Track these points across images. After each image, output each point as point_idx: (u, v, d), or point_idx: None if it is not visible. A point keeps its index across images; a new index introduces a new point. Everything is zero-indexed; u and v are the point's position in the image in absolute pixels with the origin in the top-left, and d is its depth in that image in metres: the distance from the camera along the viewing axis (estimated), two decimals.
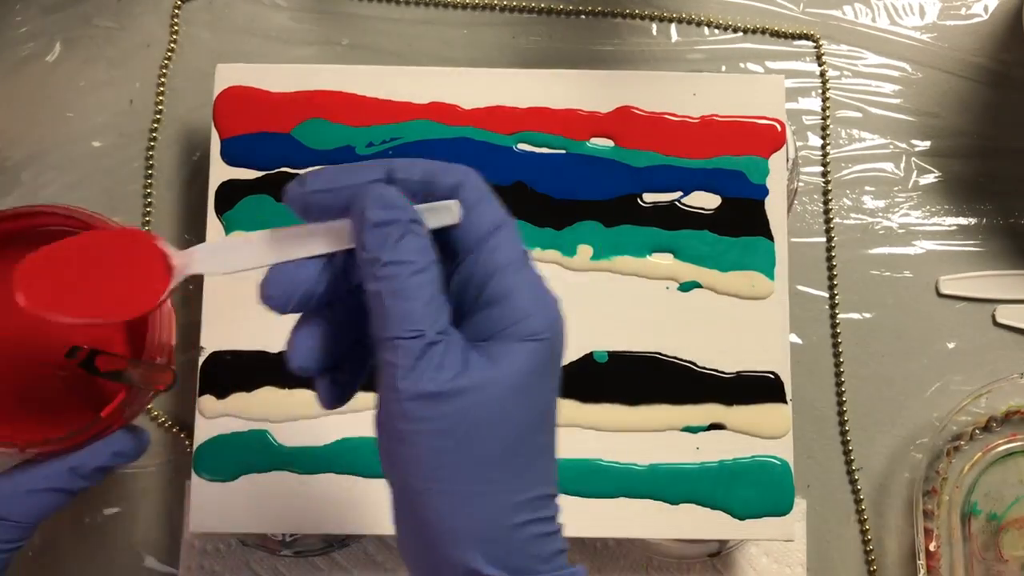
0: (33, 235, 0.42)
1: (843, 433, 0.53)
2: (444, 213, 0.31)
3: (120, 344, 0.42)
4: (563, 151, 0.49)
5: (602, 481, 0.47)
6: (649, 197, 0.49)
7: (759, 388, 0.48)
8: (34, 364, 0.42)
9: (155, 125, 0.55)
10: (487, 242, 0.31)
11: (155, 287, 0.32)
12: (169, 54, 0.56)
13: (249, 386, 0.48)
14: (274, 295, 0.32)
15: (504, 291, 0.30)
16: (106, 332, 0.42)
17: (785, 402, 0.48)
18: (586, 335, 0.48)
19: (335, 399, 0.34)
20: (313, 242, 0.31)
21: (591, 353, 0.48)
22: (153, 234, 0.33)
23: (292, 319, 0.33)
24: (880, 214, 0.55)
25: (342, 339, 0.33)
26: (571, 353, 0.48)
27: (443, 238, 0.31)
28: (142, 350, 0.41)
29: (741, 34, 0.56)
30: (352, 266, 0.31)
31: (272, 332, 0.48)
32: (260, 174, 0.49)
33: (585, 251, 0.48)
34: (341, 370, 0.34)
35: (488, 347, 0.30)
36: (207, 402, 0.47)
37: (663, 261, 0.49)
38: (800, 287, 0.54)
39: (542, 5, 0.57)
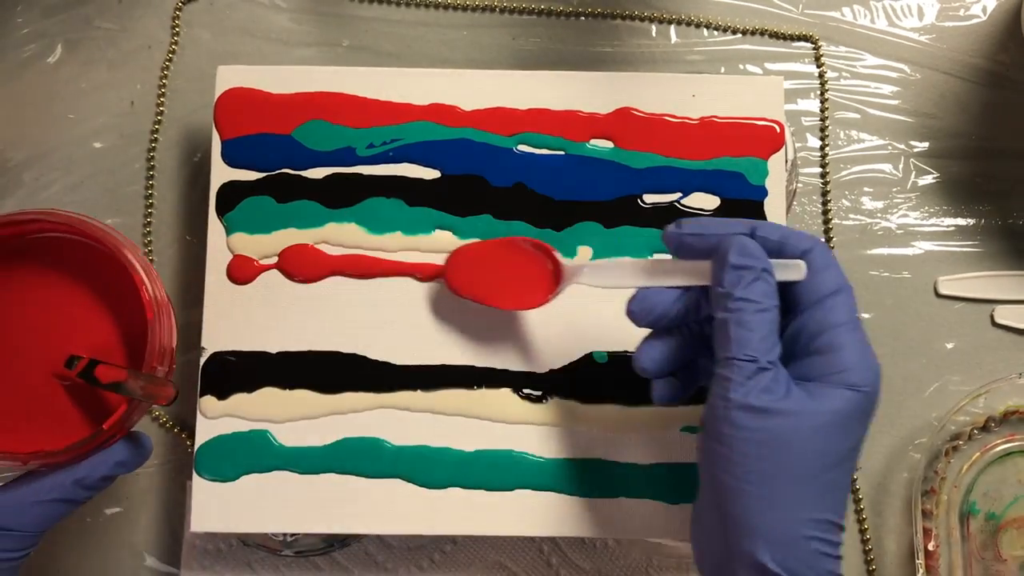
0: (29, 242, 0.42)
1: None
2: (793, 270, 0.37)
3: (119, 353, 0.42)
4: (563, 152, 0.49)
5: (602, 481, 0.47)
6: (649, 198, 0.49)
7: None
8: (35, 374, 0.42)
9: (156, 126, 0.55)
10: (826, 302, 0.37)
11: (546, 288, 0.42)
12: (170, 55, 0.56)
13: (250, 386, 0.48)
14: (636, 311, 0.40)
15: (834, 345, 0.36)
16: (107, 340, 0.42)
17: None
18: (586, 336, 0.48)
19: (665, 398, 0.41)
20: (677, 275, 0.38)
21: (591, 354, 0.48)
22: (551, 248, 0.42)
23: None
24: (879, 215, 0.55)
25: (679, 356, 0.40)
26: (571, 353, 0.48)
27: (787, 295, 0.37)
28: (142, 360, 0.41)
29: (740, 36, 0.57)
30: (703, 301, 0.39)
31: (273, 333, 0.48)
32: (261, 175, 0.49)
33: (585, 252, 0.49)
34: (675, 377, 0.41)
35: (810, 386, 0.36)
36: (208, 403, 0.48)
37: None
38: None
39: (542, 7, 0.57)
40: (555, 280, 0.41)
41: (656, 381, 0.41)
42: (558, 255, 0.43)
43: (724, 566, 0.36)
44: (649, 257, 0.48)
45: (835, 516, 0.36)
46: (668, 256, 0.39)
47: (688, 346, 0.40)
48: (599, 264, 0.40)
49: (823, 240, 0.39)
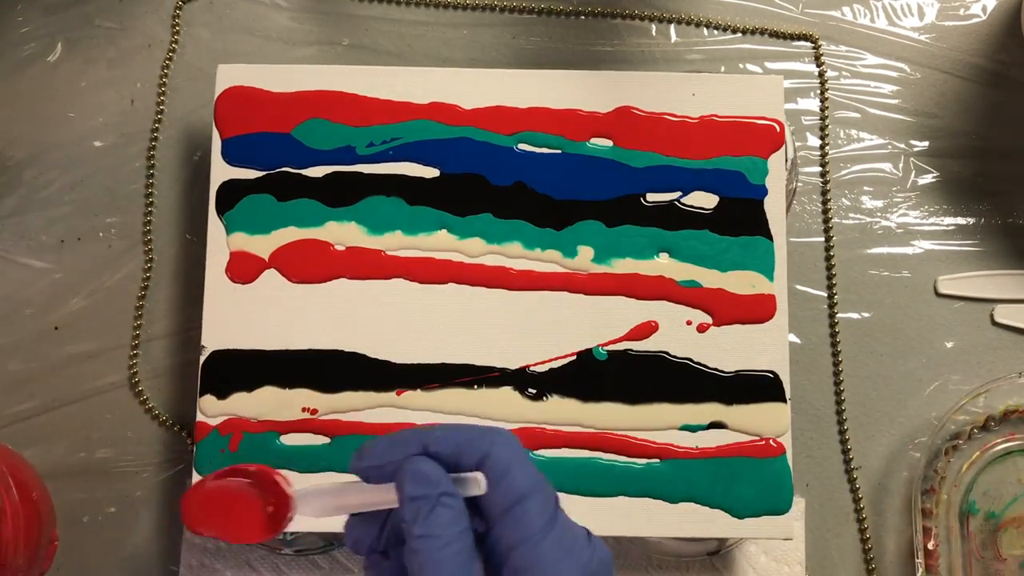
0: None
1: (842, 432, 0.53)
2: (472, 484, 0.33)
3: None
4: (563, 151, 0.49)
5: (602, 480, 0.47)
6: (650, 197, 0.49)
7: (758, 387, 0.48)
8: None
9: (156, 125, 0.55)
10: (509, 514, 0.33)
11: (277, 521, 0.38)
12: (170, 54, 0.56)
13: (250, 385, 0.48)
14: (350, 544, 0.36)
15: (525, 564, 0.33)
16: None
17: (784, 401, 0.48)
18: (586, 334, 0.48)
19: None
20: (375, 499, 0.35)
21: (591, 350, 0.48)
22: (278, 475, 0.38)
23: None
24: (879, 214, 0.55)
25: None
26: (571, 351, 0.48)
27: (478, 504, 0.34)
28: None
29: (740, 35, 0.57)
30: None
31: (272, 332, 0.48)
32: (261, 174, 0.49)
33: (586, 253, 0.49)
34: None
35: None
36: (208, 402, 0.48)
37: (663, 262, 0.49)
38: (799, 287, 0.54)
39: (542, 6, 0.57)
40: (286, 512, 0.38)
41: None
42: (285, 485, 0.37)
43: None
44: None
45: None
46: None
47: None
48: (308, 492, 0.37)
49: (508, 432, 0.34)
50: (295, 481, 0.47)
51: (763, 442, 0.47)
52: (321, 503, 0.37)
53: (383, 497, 0.35)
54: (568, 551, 0.33)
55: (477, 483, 0.33)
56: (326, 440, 0.48)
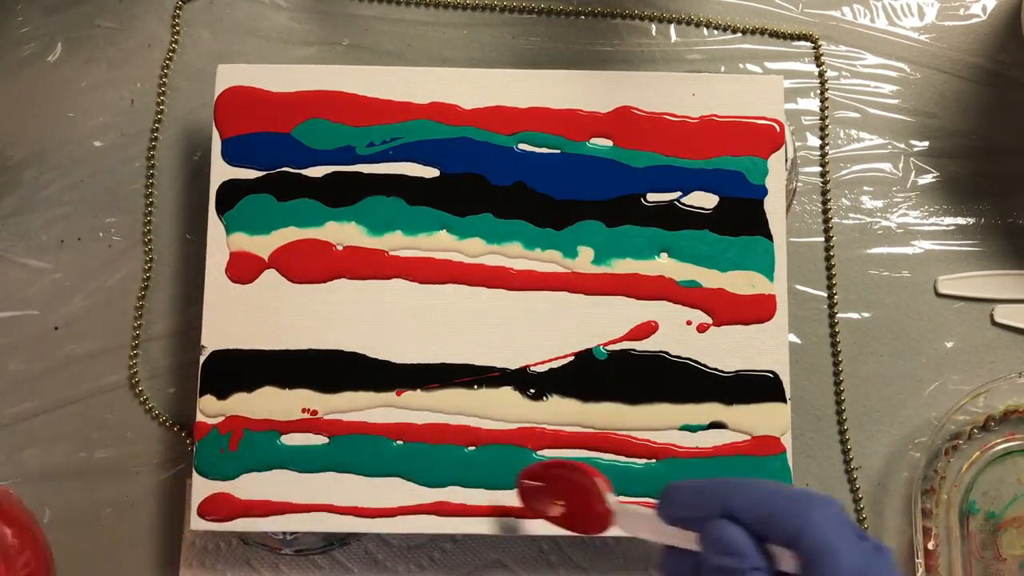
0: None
1: (842, 432, 0.53)
2: (783, 558, 0.30)
3: None
4: (563, 151, 0.49)
5: None
6: (650, 197, 0.49)
7: (758, 387, 0.48)
8: None
9: (156, 125, 0.55)
10: None
11: (601, 522, 0.40)
12: (170, 54, 0.56)
13: (250, 385, 0.48)
14: (664, 573, 0.35)
15: None
16: None
17: (784, 401, 0.48)
18: (586, 333, 0.48)
19: None
20: (684, 539, 0.34)
21: (591, 350, 0.48)
22: (603, 484, 0.40)
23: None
24: (879, 214, 0.55)
25: None
26: (571, 350, 0.48)
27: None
28: None
29: (740, 35, 0.57)
30: None
31: (273, 332, 0.48)
32: (261, 174, 0.49)
33: (586, 254, 0.49)
34: None
35: None
36: (208, 402, 0.48)
37: (663, 262, 0.49)
38: (799, 287, 0.54)
39: (542, 6, 0.57)
40: (607, 518, 0.40)
41: None
42: (607, 495, 0.40)
43: None
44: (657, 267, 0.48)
45: None
46: None
47: None
48: (626, 508, 0.38)
49: (831, 500, 0.30)
50: (299, 479, 0.47)
51: (763, 441, 0.47)
52: (635, 523, 0.38)
53: (691, 540, 0.34)
54: None
55: (787, 561, 0.29)
56: (326, 440, 0.48)
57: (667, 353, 0.48)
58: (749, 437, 0.48)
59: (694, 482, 0.32)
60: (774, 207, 0.49)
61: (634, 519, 0.38)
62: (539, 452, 0.47)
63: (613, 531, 0.39)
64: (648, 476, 0.47)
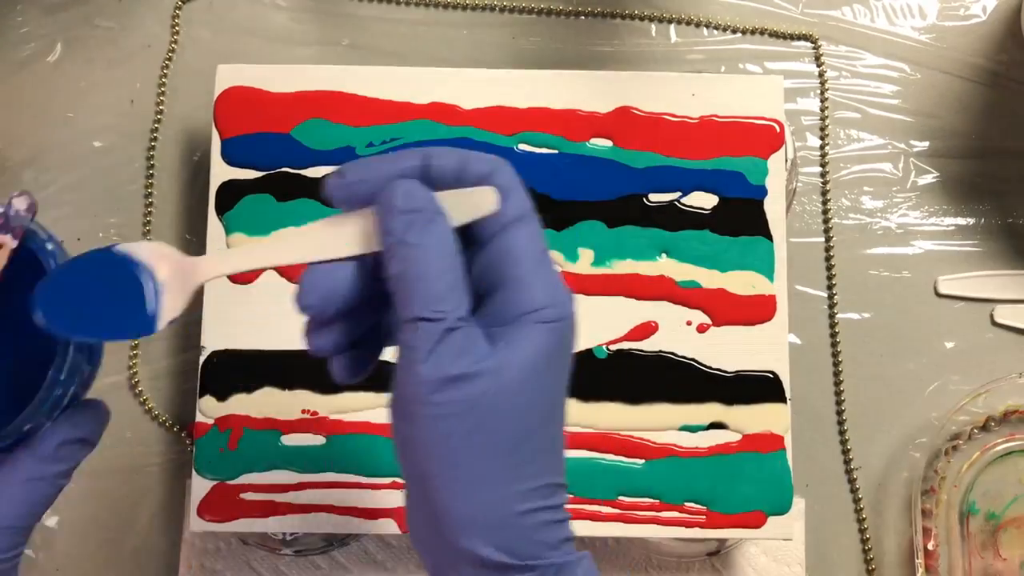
0: None
1: (842, 432, 0.53)
2: (481, 202, 0.31)
3: None
4: (563, 152, 0.49)
5: (602, 480, 0.47)
6: (652, 197, 0.49)
7: (758, 388, 0.48)
8: None
9: (156, 125, 0.55)
10: (509, 231, 0.31)
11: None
12: (170, 54, 0.56)
13: (249, 386, 0.48)
14: (309, 304, 0.32)
15: (521, 278, 0.31)
16: None
17: (784, 402, 0.48)
18: (586, 332, 0.48)
19: (350, 375, 0.35)
20: (343, 239, 0.32)
21: (591, 350, 0.48)
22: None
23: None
24: (879, 214, 0.55)
25: (361, 324, 0.34)
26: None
27: (464, 229, 0.31)
28: None
29: (740, 35, 0.57)
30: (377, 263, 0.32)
31: (273, 331, 0.48)
32: (260, 174, 0.49)
33: (587, 256, 0.49)
34: (357, 348, 0.34)
35: (503, 332, 0.31)
36: (208, 402, 0.48)
37: (663, 262, 0.49)
38: (799, 287, 0.54)
39: (542, 6, 0.57)
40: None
41: (335, 359, 0.35)
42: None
43: (447, 566, 0.31)
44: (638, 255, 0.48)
45: (553, 477, 0.31)
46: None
47: (370, 310, 0.33)
48: (245, 247, 0.33)
49: (505, 160, 0.32)
50: (299, 480, 0.47)
51: (763, 439, 0.47)
52: (262, 254, 0.33)
53: (356, 233, 0.31)
54: (556, 276, 0.32)
55: (487, 198, 0.31)
56: (326, 440, 0.47)
57: (667, 353, 0.48)
58: (749, 434, 0.47)
59: (375, 156, 0.33)
60: (774, 207, 0.49)
61: (243, 255, 0.33)
62: None
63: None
64: (649, 476, 0.47)
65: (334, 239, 0.32)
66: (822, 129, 0.55)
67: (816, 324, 0.54)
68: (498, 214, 0.31)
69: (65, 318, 0.34)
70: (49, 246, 0.35)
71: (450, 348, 0.30)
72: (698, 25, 0.57)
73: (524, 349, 0.30)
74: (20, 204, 0.34)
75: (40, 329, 0.35)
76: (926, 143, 0.56)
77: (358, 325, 0.34)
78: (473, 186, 0.31)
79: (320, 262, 0.32)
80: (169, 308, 0.33)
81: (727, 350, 0.48)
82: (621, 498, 0.47)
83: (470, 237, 0.32)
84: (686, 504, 0.47)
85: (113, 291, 0.34)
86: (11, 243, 0.34)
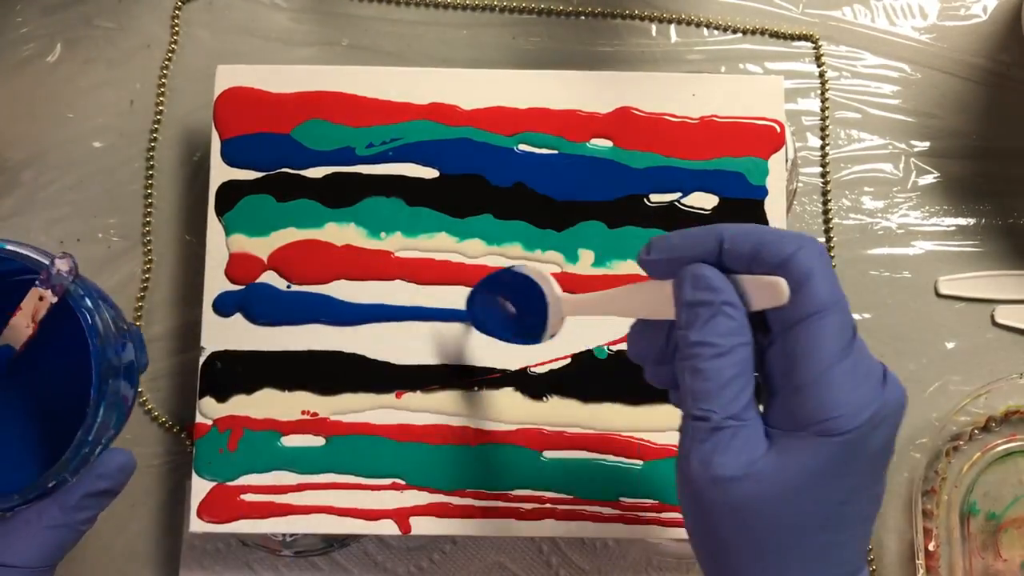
0: None
1: None
2: (769, 291, 0.30)
3: None
4: (563, 152, 0.49)
5: (602, 481, 0.47)
6: (653, 198, 0.49)
7: (758, 388, 0.48)
8: None
9: (155, 126, 0.55)
10: (802, 327, 0.30)
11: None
12: (169, 55, 0.56)
13: (249, 387, 0.48)
14: (632, 355, 0.35)
15: (811, 382, 0.29)
16: None
17: None
18: (586, 331, 0.48)
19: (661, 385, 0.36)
20: (656, 307, 0.34)
21: (591, 351, 0.48)
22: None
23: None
24: (879, 215, 0.55)
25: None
26: (571, 349, 0.48)
27: (763, 315, 0.31)
28: None
29: (740, 35, 0.57)
30: None
31: (273, 332, 0.48)
32: (260, 175, 0.49)
33: (587, 257, 0.49)
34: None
35: (782, 436, 0.30)
36: (207, 403, 0.48)
37: None
38: None
39: (542, 6, 0.57)
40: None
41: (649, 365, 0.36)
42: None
43: None
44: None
45: (844, 571, 0.31)
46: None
47: None
48: (588, 297, 0.38)
49: (816, 240, 0.31)
50: (299, 481, 0.47)
51: None
52: (588, 305, 0.38)
53: (647, 303, 0.34)
54: (861, 383, 0.29)
55: (775, 289, 0.30)
56: (326, 441, 0.47)
57: None
58: None
59: (679, 231, 0.33)
60: (775, 208, 0.49)
61: (587, 302, 0.38)
62: (546, 454, 0.47)
63: (558, 322, 0.40)
64: (649, 477, 0.47)
65: (653, 303, 0.34)
66: (822, 129, 0.55)
67: None
68: (796, 303, 0.30)
69: (485, 319, 0.44)
70: (88, 302, 0.37)
71: (716, 448, 0.30)
72: (698, 25, 0.57)
73: (799, 461, 0.29)
74: (63, 266, 0.37)
75: (69, 385, 0.38)
76: (926, 143, 0.55)
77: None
78: (773, 267, 0.30)
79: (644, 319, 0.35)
80: (551, 327, 0.41)
81: None
82: (622, 499, 0.47)
83: (769, 322, 0.31)
84: None
85: (523, 303, 0.42)
86: (51, 298, 0.37)
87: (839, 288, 0.31)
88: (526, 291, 0.41)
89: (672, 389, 0.35)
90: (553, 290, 0.41)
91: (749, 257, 0.31)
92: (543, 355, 0.48)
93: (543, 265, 0.48)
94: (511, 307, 0.43)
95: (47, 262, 0.37)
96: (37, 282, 0.37)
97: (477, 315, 0.45)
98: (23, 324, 0.38)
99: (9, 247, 0.37)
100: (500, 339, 0.44)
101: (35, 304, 0.37)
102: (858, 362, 0.30)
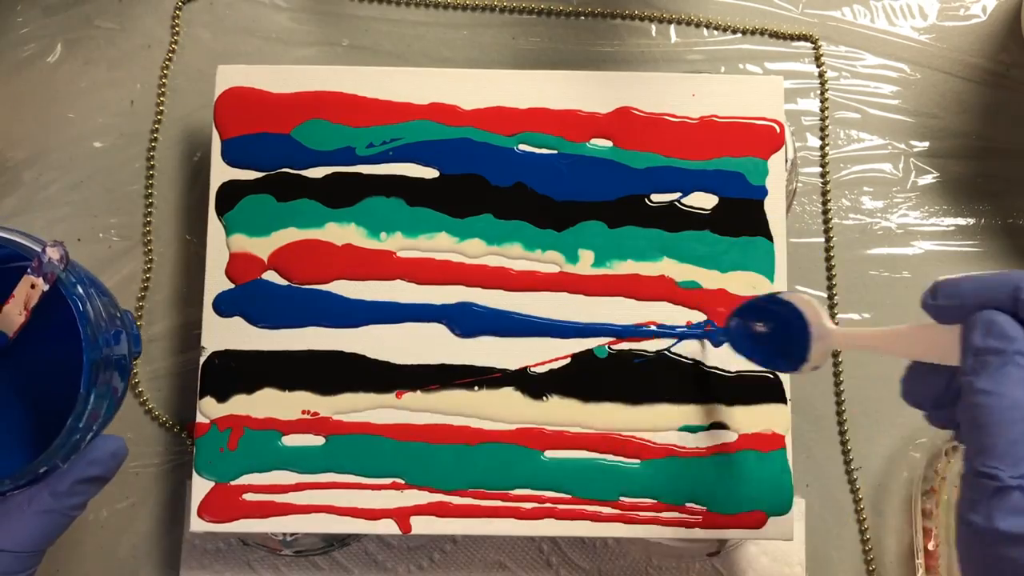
0: None
1: (842, 433, 0.53)
2: None
3: None
4: (563, 152, 0.49)
5: (602, 481, 0.47)
6: (654, 198, 0.49)
7: (758, 388, 0.48)
8: None
9: (156, 126, 0.55)
10: None
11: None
12: (170, 55, 0.56)
13: (250, 387, 0.48)
14: (909, 398, 0.35)
15: None
16: None
17: (784, 402, 0.48)
18: (586, 331, 0.48)
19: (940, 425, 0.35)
20: (933, 350, 0.33)
21: (591, 351, 0.48)
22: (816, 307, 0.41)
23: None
24: (879, 214, 0.55)
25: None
26: (572, 349, 0.48)
27: None
28: None
29: (740, 35, 0.57)
30: None
31: (273, 333, 0.48)
32: (260, 175, 0.49)
33: (587, 257, 0.49)
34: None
35: None
36: (208, 403, 0.48)
37: (663, 262, 0.49)
38: (799, 287, 0.54)
39: (542, 6, 0.57)
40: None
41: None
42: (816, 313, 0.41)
43: None
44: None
45: None
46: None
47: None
48: (861, 332, 0.38)
49: None
50: (299, 480, 0.47)
51: (763, 437, 0.47)
52: (863, 339, 0.37)
53: (944, 349, 0.32)
54: None
55: None
56: (326, 441, 0.48)
57: (668, 353, 0.48)
58: (750, 434, 0.48)
59: (971, 274, 0.32)
60: (774, 208, 0.49)
61: (861, 337, 0.38)
62: (547, 454, 0.47)
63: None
64: (649, 477, 0.47)
65: (937, 347, 0.33)
66: (822, 129, 0.55)
67: None
68: None
69: (741, 341, 0.44)
70: (80, 290, 0.38)
71: (1003, 506, 0.28)
72: (698, 25, 0.57)
73: None
74: (53, 254, 0.38)
75: (61, 372, 0.38)
76: (926, 143, 0.56)
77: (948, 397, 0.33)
78: None
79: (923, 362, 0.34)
80: (814, 359, 0.40)
81: (727, 350, 0.48)
82: (622, 499, 0.47)
83: None
84: (686, 504, 0.47)
85: (782, 329, 0.42)
86: (42, 286, 0.38)
87: None
88: (789, 318, 0.41)
89: (955, 430, 0.33)
90: (821, 321, 0.40)
91: None
92: (543, 355, 0.48)
93: (543, 265, 0.49)
94: (766, 330, 0.43)
95: (38, 249, 0.37)
96: (29, 270, 0.37)
97: (736, 336, 0.45)
98: (15, 312, 0.38)
99: (1, 234, 0.38)
100: (760, 364, 0.45)
101: (27, 292, 0.38)
102: None
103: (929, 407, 0.34)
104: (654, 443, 0.48)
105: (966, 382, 0.29)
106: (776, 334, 0.43)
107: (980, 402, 0.29)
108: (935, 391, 0.33)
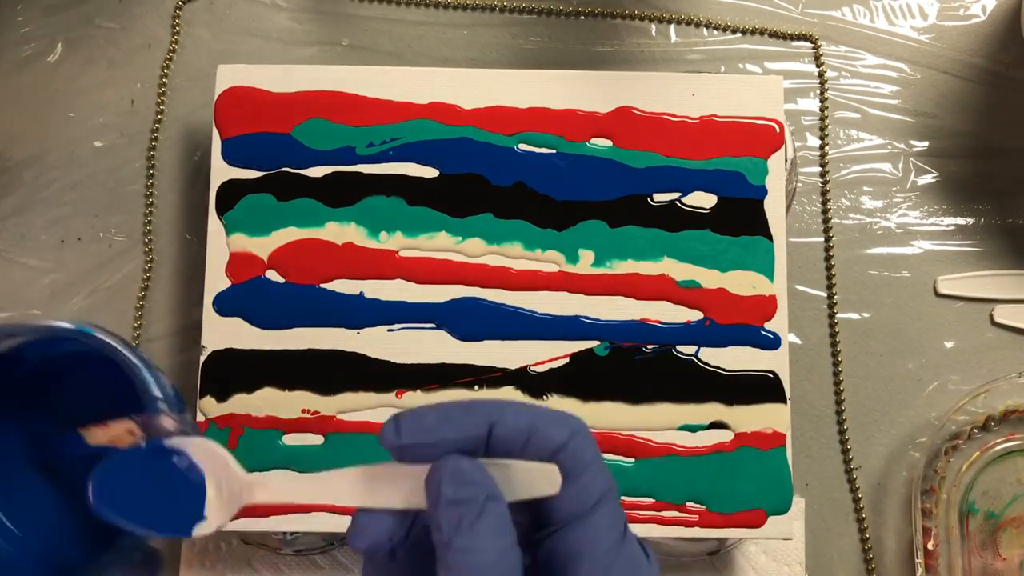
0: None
1: (841, 432, 0.53)
2: (541, 480, 0.28)
3: None
4: (563, 152, 0.49)
5: None
6: (656, 197, 0.49)
7: (758, 387, 0.48)
8: None
9: (156, 125, 0.55)
10: (579, 525, 0.29)
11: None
12: (170, 54, 0.56)
13: (250, 386, 0.48)
14: (362, 549, 0.30)
15: None
16: None
17: (784, 401, 0.48)
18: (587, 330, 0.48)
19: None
20: (395, 493, 0.29)
21: (591, 350, 0.48)
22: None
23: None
24: (878, 214, 0.55)
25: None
26: (572, 348, 0.48)
27: (539, 504, 0.29)
28: None
29: (740, 35, 0.57)
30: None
31: (273, 332, 0.48)
32: (261, 174, 0.49)
33: (587, 257, 0.49)
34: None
35: None
36: (208, 402, 0.48)
37: (663, 262, 0.49)
38: (799, 287, 0.54)
39: (542, 6, 0.57)
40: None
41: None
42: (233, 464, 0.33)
43: None
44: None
45: None
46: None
47: (422, 548, 0.30)
48: (299, 478, 0.31)
49: (584, 423, 0.30)
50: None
51: (763, 436, 0.47)
52: (293, 489, 0.31)
53: (408, 493, 0.29)
54: (635, 564, 0.29)
55: (548, 478, 0.28)
56: (327, 440, 0.48)
57: (667, 353, 0.48)
58: (749, 433, 0.48)
59: (443, 405, 0.29)
60: (774, 207, 0.49)
61: (303, 484, 0.31)
62: None
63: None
64: (649, 476, 0.47)
65: (389, 490, 0.29)
66: (822, 129, 0.56)
67: (816, 324, 0.54)
68: (571, 496, 0.28)
69: (113, 502, 0.32)
70: (170, 443, 0.32)
71: None
72: (698, 25, 0.57)
73: None
74: (168, 424, 0.34)
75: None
76: (926, 143, 0.56)
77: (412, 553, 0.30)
78: (545, 453, 0.28)
79: (373, 508, 0.30)
80: (212, 520, 0.32)
81: (727, 350, 0.48)
82: (621, 498, 0.47)
83: (543, 514, 0.29)
84: (686, 504, 0.47)
85: (164, 486, 0.32)
86: (139, 441, 0.34)
87: (609, 473, 0.29)
88: (172, 471, 0.32)
89: None
90: (231, 471, 0.32)
91: (521, 442, 0.28)
92: (543, 354, 0.48)
93: (543, 264, 0.49)
94: (148, 485, 0.32)
95: (159, 395, 0.33)
96: (135, 416, 0.34)
97: (103, 500, 0.32)
98: (103, 437, 0.35)
99: (124, 352, 0.33)
100: (133, 531, 0.32)
101: (122, 432, 0.34)
102: (633, 556, 0.29)
103: (385, 558, 0.30)
104: (654, 442, 0.48)
105: (439, 539, 0.27)
106: (160, 489, 0.32)
107: (463, 561, 0.27)
108: (395, 539, 0.29)
